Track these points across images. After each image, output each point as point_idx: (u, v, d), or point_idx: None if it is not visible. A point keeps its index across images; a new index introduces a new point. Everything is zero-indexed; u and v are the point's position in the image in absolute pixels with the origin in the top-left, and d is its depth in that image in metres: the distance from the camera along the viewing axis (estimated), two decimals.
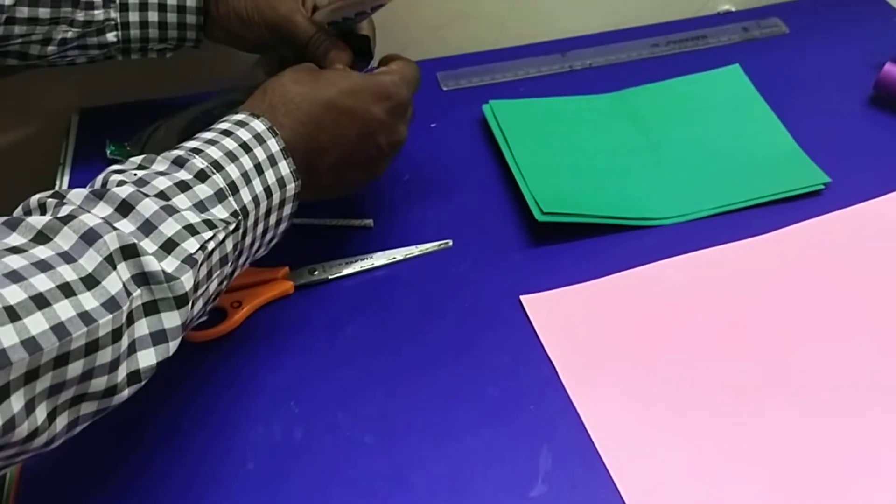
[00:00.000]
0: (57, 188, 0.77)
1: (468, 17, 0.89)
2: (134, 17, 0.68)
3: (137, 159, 0.50)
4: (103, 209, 0.45)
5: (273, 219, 0.54)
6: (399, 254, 0.67)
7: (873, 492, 0.52)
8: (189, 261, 0.46)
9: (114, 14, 0.68)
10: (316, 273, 0.66)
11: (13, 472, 0.56)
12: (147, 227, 0.45)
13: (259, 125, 0.54)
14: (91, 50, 0.70)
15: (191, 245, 0.46)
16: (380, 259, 0.67)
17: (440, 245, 0.68)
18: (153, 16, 0.68)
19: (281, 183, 0.53)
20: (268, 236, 0.55)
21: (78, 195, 0.46)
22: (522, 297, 0.64)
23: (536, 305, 0.63)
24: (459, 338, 0.62)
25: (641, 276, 0.65)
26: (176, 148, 0.51)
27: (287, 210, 0.55)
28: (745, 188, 0.71)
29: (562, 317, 0.63)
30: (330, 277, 0.66)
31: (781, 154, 0.74)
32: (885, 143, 0.76)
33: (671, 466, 0.54)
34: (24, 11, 0.65)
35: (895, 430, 0.55)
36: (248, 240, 0.52)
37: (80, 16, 0.67)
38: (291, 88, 0.57)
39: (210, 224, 0.48)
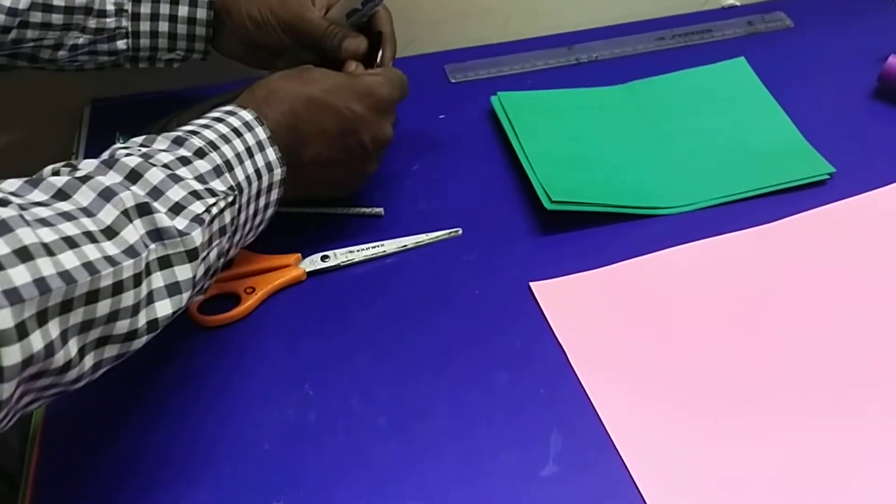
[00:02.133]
0: None
1: (475, 11, 0.90)
2: (145, 26, 0.70)
3: (139, 139, 0.52)
4: (114, 177, 0.47)
5: (262, 201, 0.57)
6: (410, 241, 0.68)
7: (889, 482, 0.53)
8: (197, 220, 0.48)
9: (125, 23, 0.70)
10: (328, 260, 0.67)
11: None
12: (155, 193, 0.48)
13: (247, 115, 0.56)
14: (101, 56, 0.71)
15: (197, 207, 0.49)
16: (391, 247, 0.68)
17: (450, 233, 0.69)
18: (163, 26, 0.70)
19: (269, 167, 0.56)
20: (257, 219, 0.57)
21: (89, 164, 0.48)
22: (532, 284, 0.65)
23: (546, 292, 0.64)
24: (470, 324, 0.63)
25: (650, 264, 0.66)
26: (174, 130, 0.54)
27: (274, 195, 0.57)
28: (750, 178, 0.72)
29: (571, 303, 0.64)
30: (342, 264, 0.67)
31: (786, 145, 0.75)
32: (889, 135, 0.77)
33: (681, 448, 0.55)
34: (37, 16, 0.66)
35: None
36: (242, 217, 0.54)
37: (93, 23, 0.68)
38: (278, 84, 0.60)
39: (212, 192, 0.50)
